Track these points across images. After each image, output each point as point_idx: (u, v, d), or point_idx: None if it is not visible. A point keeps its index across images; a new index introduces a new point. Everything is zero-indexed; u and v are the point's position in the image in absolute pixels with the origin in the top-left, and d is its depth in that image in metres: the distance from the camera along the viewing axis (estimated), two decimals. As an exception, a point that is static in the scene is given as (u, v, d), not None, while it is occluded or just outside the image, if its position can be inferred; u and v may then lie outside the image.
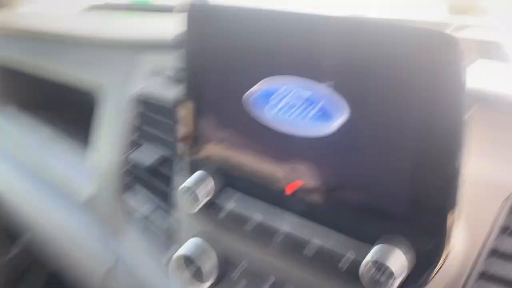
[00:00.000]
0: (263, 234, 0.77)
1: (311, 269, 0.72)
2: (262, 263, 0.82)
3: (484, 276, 0.61)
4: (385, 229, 0.64)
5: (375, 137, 0.65)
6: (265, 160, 0.79)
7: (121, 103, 1.14)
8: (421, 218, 0.61)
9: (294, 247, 0.74)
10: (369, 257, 0.62)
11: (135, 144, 1.10)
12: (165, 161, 1.05)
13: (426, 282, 0.62)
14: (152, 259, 1.03)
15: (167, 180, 1.03)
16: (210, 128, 0.85)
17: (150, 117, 1.10)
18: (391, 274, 0.62)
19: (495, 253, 0.61)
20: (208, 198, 0.81)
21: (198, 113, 0.84)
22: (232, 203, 0.81)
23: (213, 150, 0.84)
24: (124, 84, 1.15)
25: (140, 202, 1.07)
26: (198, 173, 0.83)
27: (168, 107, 1.06)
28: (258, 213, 0.78)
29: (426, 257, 0.62)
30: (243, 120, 0.77)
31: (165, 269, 0.95)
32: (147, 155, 1.07)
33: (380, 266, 0.63)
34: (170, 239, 0.98)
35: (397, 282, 0.61)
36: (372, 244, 0.64)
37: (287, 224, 0.75)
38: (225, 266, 0.86)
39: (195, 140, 0.85)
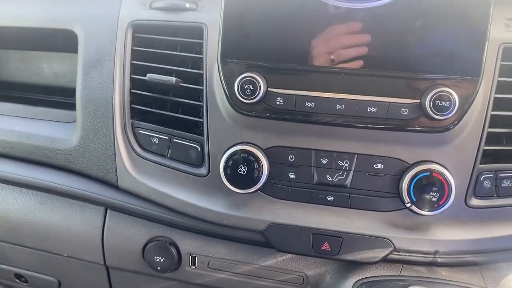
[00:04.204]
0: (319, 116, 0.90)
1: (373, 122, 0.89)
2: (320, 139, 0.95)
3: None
4: (436, 78, 0.86)
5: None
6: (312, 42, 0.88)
7: (111, 34, 1.08)
8: (464, 67, 0.85)
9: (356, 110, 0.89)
10: (433, 90, 0.85)
11: (139, 74, 1.07)
12: (173, 88, 1.04)
13: (468, 108, 0.87)
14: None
15: (177, 107, 1.05)
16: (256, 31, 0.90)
17: (152, 45, 1.07)
18: (454, 100, 0.85)
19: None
20: (262, 94, 0.90)
21: (240, 23, 0.90)
22: (284, 96, 0.90)
23: (259, 50, 0.91)
24: (110, 14, 1.09)
25: (152, 135, 1.07)
26: (249, 73, 0.90)
27: (171, 35, 1.05)
28: (309, 103, 0.88)
29: (467, 92, 0.86)
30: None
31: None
32: (153, 86, 1.05)
33: (442, 96, 0.85)
34: (199, 158, 1.03)
35: (456, 108, 0.85)
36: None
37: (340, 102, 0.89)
38: (275, 165, 0.97)
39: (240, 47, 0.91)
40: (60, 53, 1.38)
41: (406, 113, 0.88)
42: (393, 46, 0.86)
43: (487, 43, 0.84)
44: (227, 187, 0.96)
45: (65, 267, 1.27)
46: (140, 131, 1.08)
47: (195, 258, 1.11)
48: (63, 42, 1.21)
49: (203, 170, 1.03)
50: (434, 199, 0.89)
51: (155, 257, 1.11)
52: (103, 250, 1.17)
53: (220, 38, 0.92)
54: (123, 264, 1.18)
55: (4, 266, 1.37)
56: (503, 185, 0.94)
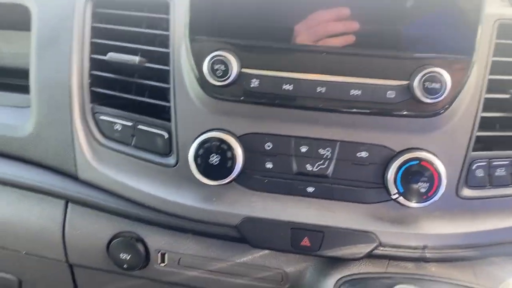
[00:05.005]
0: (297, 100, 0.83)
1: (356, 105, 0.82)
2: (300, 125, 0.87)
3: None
4: (426, 58, 0.78)
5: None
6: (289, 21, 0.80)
7: (68, 9, 0.98)
8: (456, 45, 0.77)
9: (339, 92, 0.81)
10: (422, 71, 0.77)
11: (100, 53, 0.97)
12: (138, 69, 0.94)
13: (460, 90, 0.79)
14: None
15: (143, 90, 0.95)
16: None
17: (114, 21, 0.97)
18: (445, 82, 0.77)
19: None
20: (234, 75, 0.81)
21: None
22: (260, 77, 0.82)
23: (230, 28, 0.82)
24: None
25: (114, 121, 0.98)
26: (220, 52, 0.81)
27: (134, 9, 0.95)
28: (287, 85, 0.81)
29: (459, 73, 0.78)
30: None
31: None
32: (115, 67, 0.95)
33: (433, 77, 0.77)
34: (167, 146, 0.94)
35: (447, 90, 0.77)
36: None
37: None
38: (252, 154, 0.88)
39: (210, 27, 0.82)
40: (20, 32, 1.27)
41: (393, 96, 0.80)
42: (378, 22, 0.78)
43: (481, 19, 0.77)
44: (197, 178, 0.88)
45: (25, 265, 1.17)
46: (101, 117, 0.98)
47: (164, 255, 1.02)
48: (18, 19, 1.10)
49: (171, 160, 0.94)
50: (423, 190, 0.82)
51: (121, 254, 1.02)
52: (65, 247, 1.08)
53: (188, 10, 0.82)
54: (87, 261, 1.09)
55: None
56: (496, 174, 0.87)
